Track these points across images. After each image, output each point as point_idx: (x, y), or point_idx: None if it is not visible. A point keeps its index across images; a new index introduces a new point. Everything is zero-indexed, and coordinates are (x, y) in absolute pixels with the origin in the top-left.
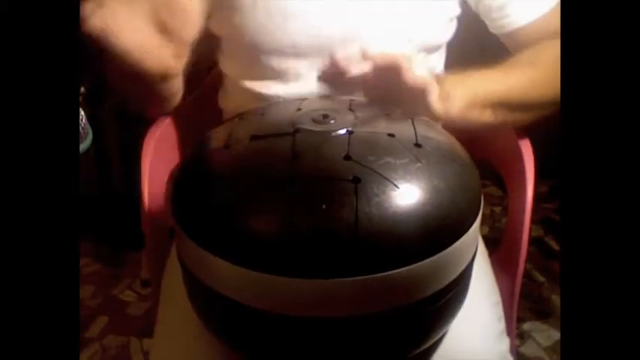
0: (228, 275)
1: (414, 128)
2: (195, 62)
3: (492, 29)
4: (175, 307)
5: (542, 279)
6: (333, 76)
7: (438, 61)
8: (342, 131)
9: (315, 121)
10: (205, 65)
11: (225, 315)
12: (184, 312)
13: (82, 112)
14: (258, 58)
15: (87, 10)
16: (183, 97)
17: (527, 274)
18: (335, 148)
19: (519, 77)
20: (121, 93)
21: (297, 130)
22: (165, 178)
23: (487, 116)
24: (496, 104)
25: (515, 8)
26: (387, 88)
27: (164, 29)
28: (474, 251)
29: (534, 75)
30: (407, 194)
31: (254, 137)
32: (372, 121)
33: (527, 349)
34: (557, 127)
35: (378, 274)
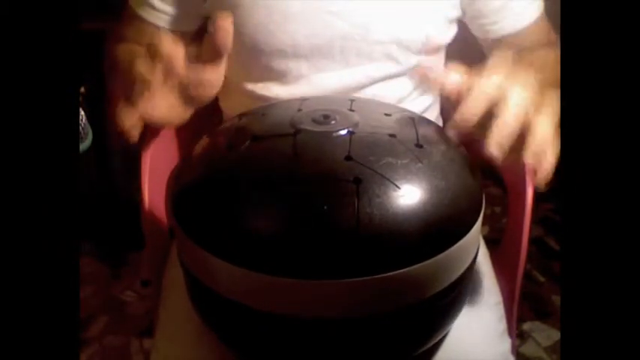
0: (229, 276)
1: (415, 128)
2: None
3: (477, 33)
4: (176, 307)
5: (542, 279)
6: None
7: (438, 62)
8: (343, 131)
9: (315, 121)
10: None
11: (227, 316)
12: (185, 312)
13: (82, 112)
14: (258, 59)
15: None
16: None
17: (527, 274)
18: (336, 148)
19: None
20: None
21: (297, 131)
22: (166, 178)
23: None
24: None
25: (507, 15)
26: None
27: (190, 100)
28: (475, 251)
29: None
30: (408, 195)
31: (255, 138)
32: (373, 122)
33: (527, 349)
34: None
35: (380, 275)
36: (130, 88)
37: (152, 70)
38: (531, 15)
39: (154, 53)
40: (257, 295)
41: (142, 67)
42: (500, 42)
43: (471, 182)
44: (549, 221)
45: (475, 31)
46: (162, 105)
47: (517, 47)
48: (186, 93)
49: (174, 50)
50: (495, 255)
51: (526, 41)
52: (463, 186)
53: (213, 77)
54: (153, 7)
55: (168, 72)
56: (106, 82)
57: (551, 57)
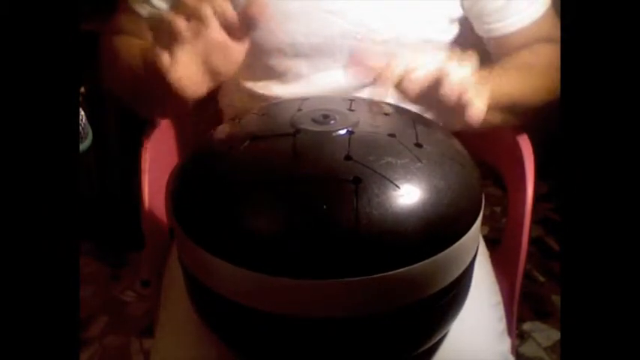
0: (228, 276)
1: (415, 128)
2: None
3: (481, 32)
4: (176, 307)
5: (542, 279)
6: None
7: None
8: (343, 131)
9: (315, 121)
10: None
11: (226, 316)
12: (185, 312)
13: (82, 112)
14: (258, 58)
15: (162, 58)
16: None
17: (527, 274)
18: (335, 148)
19: (525, 80)
20: (131, 101)
21: (297, 131)
22: (166, 178)
23: (492, 118)
24: (504, 107)
25: (509, 13)
26: (430, 100)
27: (213, 70)
28: (474, 251)
29: (535, 78)
30: (407, 194)
31: (254, 137)
32: (372, 121)
33: (527, 349)
34: (556, 127)
35: (379, 275)
36: (163, 39)
37: (186, 26)
38: (533, 13)
39: (191, 12)
40: (257, 295)
41: (178, 22)
42: (503, 40)
43: (471, 182)
44: (549, 221)
45: (478, 29)
46: (186, 65)
47: (519, 45)
48: (208, 62)
49: (221, 7)
50: (495, 255)
51: (529, 39)
52: (463, 186)
53: (237, 50)
54: (149, 4)
55: (200, 32)
56: (101, 75)
57: (542, 51)
